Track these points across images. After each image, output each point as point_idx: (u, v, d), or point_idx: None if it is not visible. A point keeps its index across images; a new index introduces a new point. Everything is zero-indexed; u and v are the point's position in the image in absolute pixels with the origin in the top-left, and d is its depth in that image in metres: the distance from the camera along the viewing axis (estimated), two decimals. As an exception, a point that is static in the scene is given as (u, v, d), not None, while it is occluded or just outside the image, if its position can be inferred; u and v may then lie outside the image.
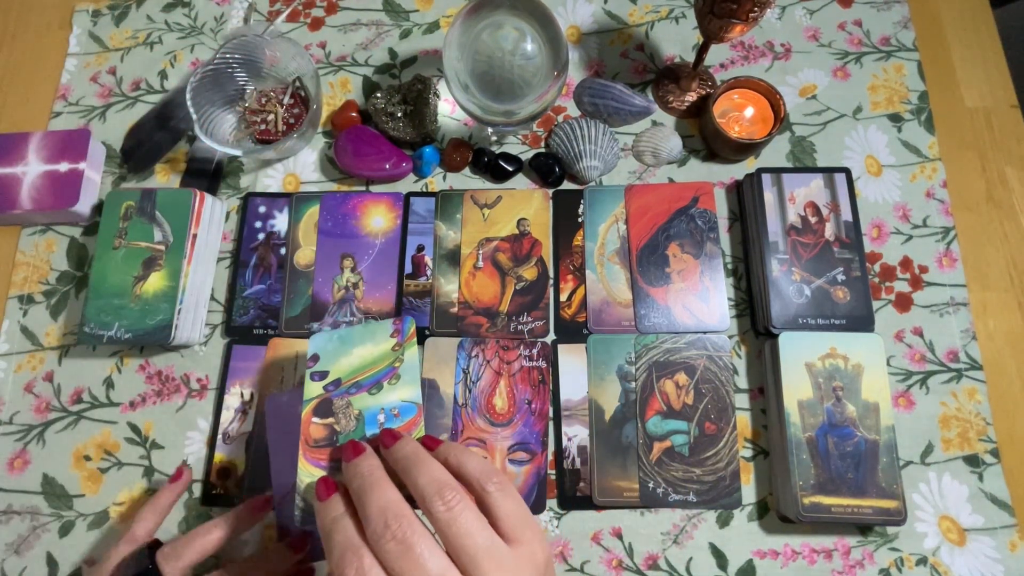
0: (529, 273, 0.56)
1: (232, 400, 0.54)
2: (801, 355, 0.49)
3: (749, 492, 0.50)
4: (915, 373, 0.53)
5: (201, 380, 0.55)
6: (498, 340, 0.54)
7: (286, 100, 0.60)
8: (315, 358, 0.42)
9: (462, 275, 0.56)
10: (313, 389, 0.41)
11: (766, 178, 0.55)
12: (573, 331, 0.55)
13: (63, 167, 0.58)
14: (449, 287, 0.56)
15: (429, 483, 0.32)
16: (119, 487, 0.53)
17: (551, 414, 0.52)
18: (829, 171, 0.55)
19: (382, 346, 0.42)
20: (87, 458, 0.53)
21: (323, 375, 0.41)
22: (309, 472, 0.38)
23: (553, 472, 0.51)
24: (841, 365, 0.49)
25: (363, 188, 0.60)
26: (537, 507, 0.50)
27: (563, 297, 0.56)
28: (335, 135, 0.61)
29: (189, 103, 0.55)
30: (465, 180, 0.60)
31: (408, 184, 0.60)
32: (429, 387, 0.53)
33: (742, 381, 0.53)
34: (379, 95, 0.60)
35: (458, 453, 0.34)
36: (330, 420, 0.39)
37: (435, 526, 0.31)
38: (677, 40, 0.64)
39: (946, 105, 0.61)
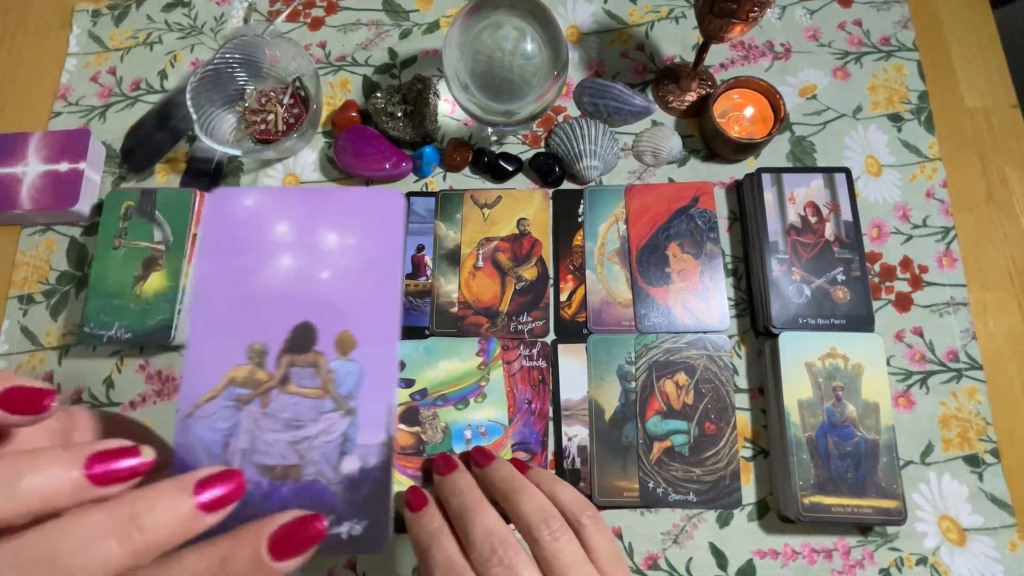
0: (529, 273, 0.56)
1: (232, 400, 0.53)
2: (801, 355, 0.49)
3: (749, 492, 0.50)
4: (915, 373, 0.53)
5: (201, 380, 0.55)
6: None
7: (286, 100, 0.60)
8: (401, 365, 0.42)
9: (462, 275, 0.56)
10: (399, 396, 0.41)
11: (766, 178, 0.55)
12: (573, 331, 0.55)
13: (63, 167, 0.58)
14: (449, 287, 0.56)
15: (535, 511, 0.32)
16: (119, 487, 0.53)
17: (551, 414, 0.52)
18: (829, 171, 0.55)
19: (468, 363, 0.43)
20: (87, 458, 0.53)
21: (409, 383, 0.41)
22: (397, 480, 0.38)
23: (553, 472, 0.51)
24: (841, 365, 0.49)
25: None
26: (537, 507, 0.50)
27: (563, 297, 0.56)
28: (335, 135, 0.61)
29: (189, 103, 0.55)
30: (465, 180, 0.60)
31: (408, 184, 0.60)
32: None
33: (742, 381, 0.53)
34: (379, 95, 0.60)
35: (550, 481, 0.34)
36: (416, 429, 0.40)
37: (538, 555, 0.31)
38: (677, 40, 0.64)
39: (946, 105, 0.61)
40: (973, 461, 0.51)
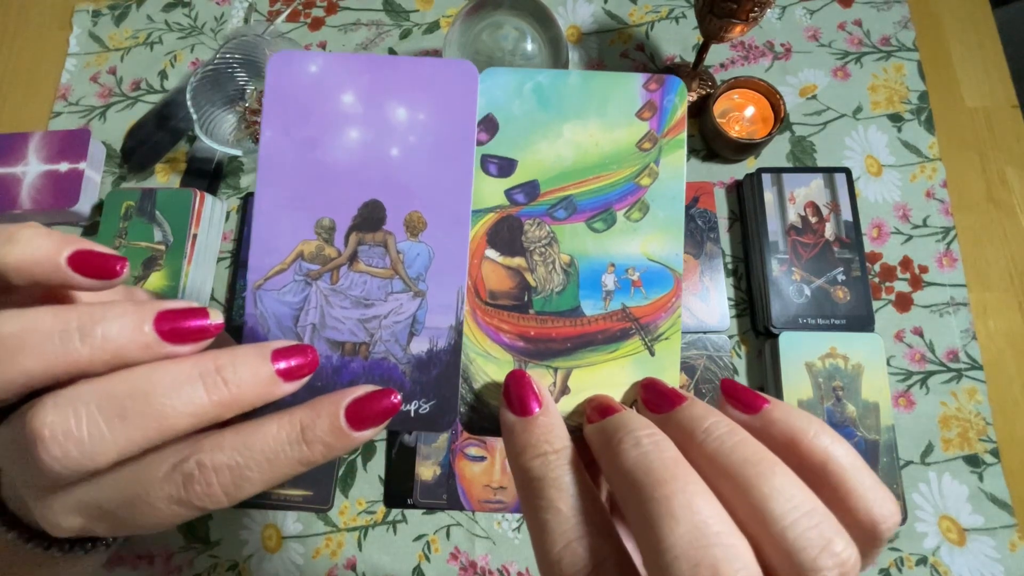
0: (529, 273, 0.56)
1: (232, 400, 0.53)
2: (801, 355, 0.49)
3: (749, 492, 0.50)
4: (915, 373, 0.53)
5: (201, 380, 0.55)
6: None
7: (286, 100, 0.60)
8: (491, 123, 0.24)
9: (462, 275, 0.56)
10: (488, 191, 0.24)
11: (766, 178, 0.55)
12: (573, 331, 0.54)
13: (63, 167, 0.58)
14: (449, 287, 0.56)
15: (798, 520, 0.16)
16: (119, 487, 0.52)
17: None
18: (829, 171, 0.55)
19: (619, 132, 0.23)
20: (87, 458, 0.53)
21: (507, 165, 0.24)
22: (483, 349, 0.24)
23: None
24: (841, 365, 0.49)
25: (363, 188, 0.60)
26: (537, 507, 0.50)
27: (563, 297, 0.55)
28: (335, 135, 0.61)
29: (189, 103, 0.55)
30: (465, 180, 0.60)
31: (408, 184, 0.60)
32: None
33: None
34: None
35: (828, 437, 0.19)
36: (518, 261, 0.24)
37: None
38: (677, 40, 0.64)
39: (946, 105, 0.61)
40: (973, 461, 0.51)
